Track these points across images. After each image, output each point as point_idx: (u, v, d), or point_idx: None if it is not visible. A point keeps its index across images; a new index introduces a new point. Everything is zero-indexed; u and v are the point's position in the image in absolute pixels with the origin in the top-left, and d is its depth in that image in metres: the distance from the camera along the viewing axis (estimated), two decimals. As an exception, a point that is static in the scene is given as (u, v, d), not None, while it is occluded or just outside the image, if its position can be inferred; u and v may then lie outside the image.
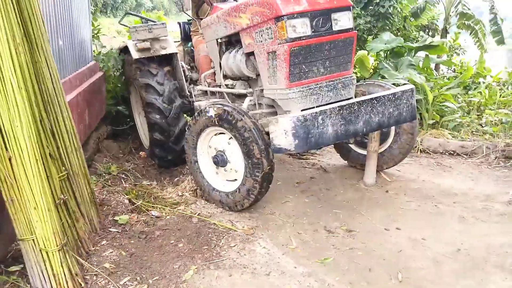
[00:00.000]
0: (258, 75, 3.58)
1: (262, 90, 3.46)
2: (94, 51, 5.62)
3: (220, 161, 3.32)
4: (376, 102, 3.22)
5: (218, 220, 3.20)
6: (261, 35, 3.21)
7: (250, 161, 3.05)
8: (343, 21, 3.19)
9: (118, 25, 20.11)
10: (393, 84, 5.83)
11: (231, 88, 3.93)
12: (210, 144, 3.43)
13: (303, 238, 3.02)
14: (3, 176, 2.13)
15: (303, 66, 3.11)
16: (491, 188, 3.82)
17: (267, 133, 3.18)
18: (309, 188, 3.86)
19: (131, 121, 5.45)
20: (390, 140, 3.87)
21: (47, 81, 2.53)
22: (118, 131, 5.46)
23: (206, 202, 3.52)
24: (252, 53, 3.43)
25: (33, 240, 2.26)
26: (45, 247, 2.25)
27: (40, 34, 2.46)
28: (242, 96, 3.90)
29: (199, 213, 3.29)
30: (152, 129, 4.26)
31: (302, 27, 3.02)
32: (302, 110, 3.09)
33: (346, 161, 4.29)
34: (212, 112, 3.19)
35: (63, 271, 2.28)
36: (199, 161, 3.51)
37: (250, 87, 3.85)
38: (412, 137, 3.75)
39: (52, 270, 2.27)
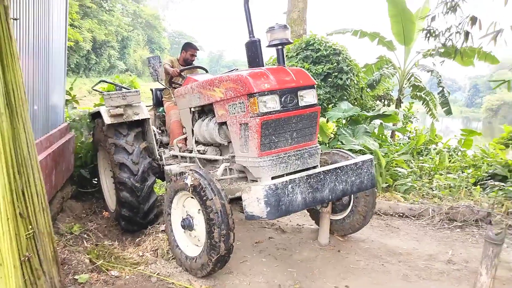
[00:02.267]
0: (229, 142, 3.82)
1: (233, 156, 3.67)
2: (66, 113, 5.88)
3: (187, 225, 3.43)
4: (340, 171, 3.47)
5: (176, 279, 3.33)
6: (234, 108, 3.49)
7: (209, 240, 3.13)
8: (308, 97, 3.52)
9: (89, 86, 20.52)
10: (350, 150, 6.31)
11: (203, 153, 4.15)
12: (184, 204, 3.56)
13: (258, 296, 3.17)
14: (-27, 233, 2.27)
15: (273, 137, 3.39)
16: (433, 248, 4.13)
17: (237, 198, 3.39)
18: (267, 248, 4.05)
19: (98, 183, 5.55)
20: (349, 206, 4.11)
21: (23, 145, 2.74)
22: (82, 191, 5.55)
23: (166, 261, 3.64)
24: (224, 123, 3.71)
25: (-5, 296, 2.35)
26: (6, 304, 2.34)
27: (20, 104, 2.71)
28: (213, 162, 4.14)
29: (158, 273, 3.41)
30: (120, 189, 4.33)
31: (272, 103, 3.32)
32: (272, 177, 3.32)
33: (317, 225, 4.38)
34: (189, 180, 3.30)
35: (23, 327, 2.36)
36: (171, 215, 3.62)
37: (221, 153, 4.07)
38: (371, 202, 4.00)
39: (12, 326, 2.34)
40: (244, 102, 3.36)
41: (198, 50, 5.56)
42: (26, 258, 2.55)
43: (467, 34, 5.76)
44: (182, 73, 4.85)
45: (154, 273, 3.40)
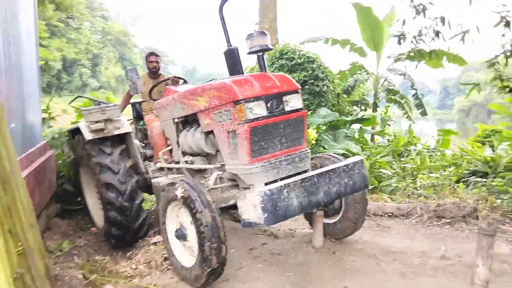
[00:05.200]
0: (217, 151, 3.76)
1: (223, 165, 3.61)
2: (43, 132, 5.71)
3: (180, 235, 3.36)
4: (332, 173, 3.44)
5: (173, 290, 3.25)
6: (220, 116, 3.44)
7: (201, 253, 3.08)
8: (293, 102, 3.51)
9: (62, 105, 20.12)
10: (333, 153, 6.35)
11: (191, 163, 4.07)
12: (178, 214, 3.47)
13: (257, 302, 3.12)
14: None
15: (262, 143, 3.35)
16: (426, 245, 4.17)
17: (231, 206, 3.33)
18: (262, 253, 4.00)
19: (81, 201, 5.39)
20: (341, 212, 4.09)
21: (4, 162, 2.63)
22: (67, 209, 5.39)
23: (160, 273, 3.55)
24: (211, 132, 3.64)
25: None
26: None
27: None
28: (201, 171, 4.06)
29: (154, 284, 3.33)
30: (108, 208, 4.20)
31: (258, 109, 3.29)
32: (265, 184, 3.27)
33: (312, 227, 4.32)
34: (179, 192, 3.22)
35: None
36: (166, 224, 3.53)
37: (209, 163, 4.00)
38: (361, 209, 3.98)
39: None
40: (230, 109, 3.32)
41: (158, 56, 5.64)
42: (19, 274, 2.43)
43: (437, 33, 5.97)
44: (159, 85, 4.82)
45: (150, 284, 3.30)
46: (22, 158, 4.11)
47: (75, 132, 4.87)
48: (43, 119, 6.01)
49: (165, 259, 3.70)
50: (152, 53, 5.60)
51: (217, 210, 3.10)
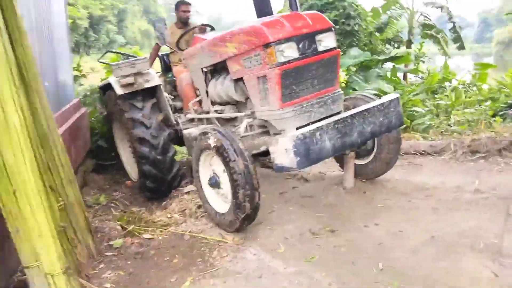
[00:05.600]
0: (247, 98, 3.74)
1: (253, 112, 3.59)
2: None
3: (213, 183, 3.43)
4: (367, 113, 3.39)
5: (209, 235, 3.39)
6: (250, 62, 3.36)
7: (235, 200, 3.12)
8: (326, 41, 3.38)
9: (91, 63, 20.43)
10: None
11: (221, 113, 4.07)
12: (211, 162, 3.52)
13: (290, 242, 3.22)
14: (8, 208, 2.31)
15: (294, 86, 3.28)
16: (460, 180, 4.11)
17: (262, 153, 3.34)
18: (293, 197, 4.08)
19: (116, 156, 5.58)
20: (373, 153, 4.06)
21: (42, 119, 2.76)
22: (102, 164, 5.62)
23: (195, 220, 3.70)
24: (240, 79, 3.59)
25: (38, 266, 2.43)
26: (50, 272, 2.41)
27: (34, 78, 2.71)
28: (231, 120, 4.07)
29: (190, 231, 3.48)
30: (142, 162, 4.31)
31: (289, 51, 3.19)
32: (297, 128, 3.24)
33: (342, 168, 4.30)
34: (211, 141, 3.23)
35: (69, 292, 2.45)
36: (199, 172, 3.60)
37: (239, 111, 3.99)
38: (395, 149, 3.95)
39: (58, 292, 2.43)
40: (260, 53, 3.23)
41: (189, 4, 5.44)
42: (62, 228, 2.61)
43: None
44: (186, 35, 4.73)
45: (186, 231, 3.46)
46: (57, 116, 4.26)
47: (106, 88, 4.95)
48: (75, 77, 6.15)
49: (199, 207, 3.84)
50: (183, 2, 5.39)
51: (249, 158, 3.12)
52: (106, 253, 3.23)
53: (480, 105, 6.86)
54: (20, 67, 2.65)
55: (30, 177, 2.32)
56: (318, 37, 3.33)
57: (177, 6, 5.41)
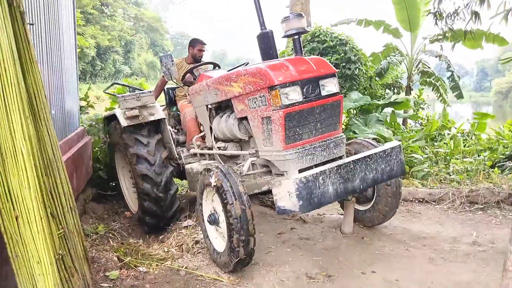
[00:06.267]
0: (250, 137, 3.79)
1: (256, 151, 3.62)
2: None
3: (213, 220, 3.43)
4: (369, 159, 3.42)
5: (205, 272, 3.36)
6: (255, 102, 3.42)
7: (229, 243, 3.12)
8: (329, 86, 3.45)
9: (97, 91, 20.70)
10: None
11: (224, 149, 4.11)
12: (213, 199, 3.51)
13: (286, 284, 3.19)
14: (9, 233, 2.32)
15: (297, 129, 3.31)
16: (457, 230, 4.12)
17: (264, 193, 3.31)
18: (290, 238, 4.06)
19: (116, 186, 5.59)
20: (372, 201, 4.06)
21: (47, 147, 2.79)
22: (102, 194, 5.62)
23: (192, 255, 3.68)
24: (245, 118, 3.64)
25: (34, 293, 2.40)
26: (45, 300, 2.39)
27: (42, 107, 2.77)
28: (234, 157, 4.11)
29: (186, 266, 3.45)
30: (143, 198, 4.32)
31: (294, 94, 3.25)
32: (299, 170, 3.27)
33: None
34: (213, 180, 3.24)
35: (62, 323, 2.41)
36: (203, 205, 3.61)
37: (241, 149, 4.04)
38: (393, 203, 3.91)
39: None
40: (265, 95, 3.29)
41: (205, 44, 5.55)
42: (60, 256, 2.60)
43: (475, 14, 5.71)
44: (194, 71, 4.85)
45: (182, 267, 3.43)
46: (62, 144, 4.31)
47: (111, 118, 5.02)
48: (81, 107, 6.24)
49: (196, 242, 3.84)
50: (200, 41, 5.47)
51: (248, 202, 3.11)
52: (101, 284, 3.20)
53: (478, 155, 6.94)
54: (30, 96, 2.71)
55: (33, 204, 2.34)
56: (321, 82, 3.42)
57: (193, 43, 5.48)
